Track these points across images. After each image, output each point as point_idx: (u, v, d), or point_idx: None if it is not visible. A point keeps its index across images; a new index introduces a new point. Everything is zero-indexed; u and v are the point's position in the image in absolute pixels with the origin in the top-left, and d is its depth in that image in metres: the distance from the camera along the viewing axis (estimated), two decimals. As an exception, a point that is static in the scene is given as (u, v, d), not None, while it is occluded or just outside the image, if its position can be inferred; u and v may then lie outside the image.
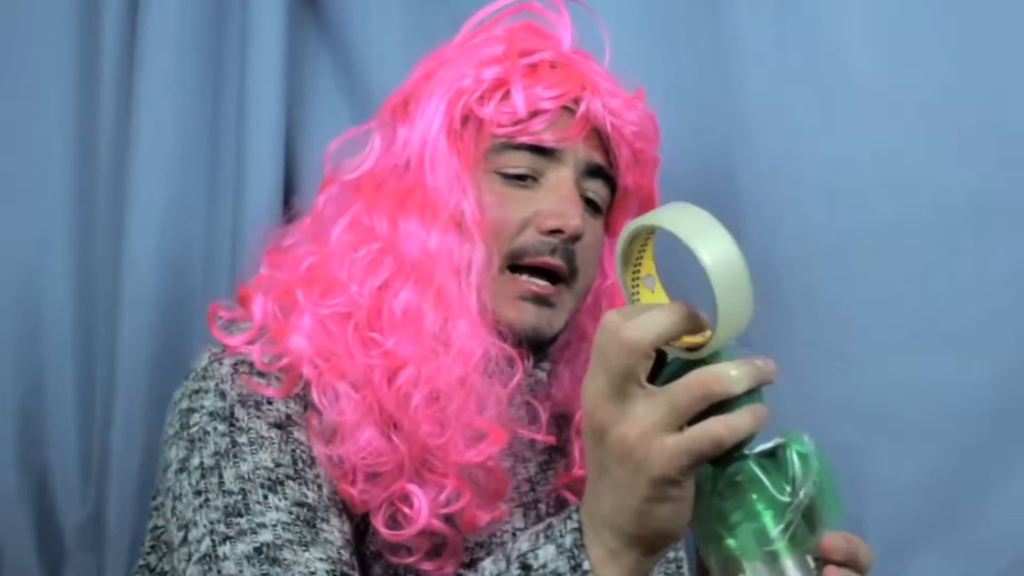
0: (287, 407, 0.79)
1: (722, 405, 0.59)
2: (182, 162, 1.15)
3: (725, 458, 0.60)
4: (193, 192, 1.17)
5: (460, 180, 0.83)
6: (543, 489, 0.94)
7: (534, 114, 0.84)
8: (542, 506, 0.93)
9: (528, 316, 0.84)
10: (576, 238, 0.84)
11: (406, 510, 0.78)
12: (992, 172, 0.98)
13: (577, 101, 0.85)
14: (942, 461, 1.01)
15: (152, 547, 0.87)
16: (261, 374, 0.79)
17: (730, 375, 0.58)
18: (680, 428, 0.59)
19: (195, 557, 0.72)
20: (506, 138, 0.84)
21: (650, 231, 0.63)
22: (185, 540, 0.74)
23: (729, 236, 0.59)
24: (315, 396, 0.79)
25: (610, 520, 0.62)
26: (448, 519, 0.79)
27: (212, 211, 1.18)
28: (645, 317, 0.60)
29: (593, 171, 0.87)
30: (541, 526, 0.66)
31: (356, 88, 1.19)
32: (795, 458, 0.60)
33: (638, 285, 0.65)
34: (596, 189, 0.88)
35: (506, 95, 0.84)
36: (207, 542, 0.72)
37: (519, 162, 0.84)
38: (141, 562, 0.89)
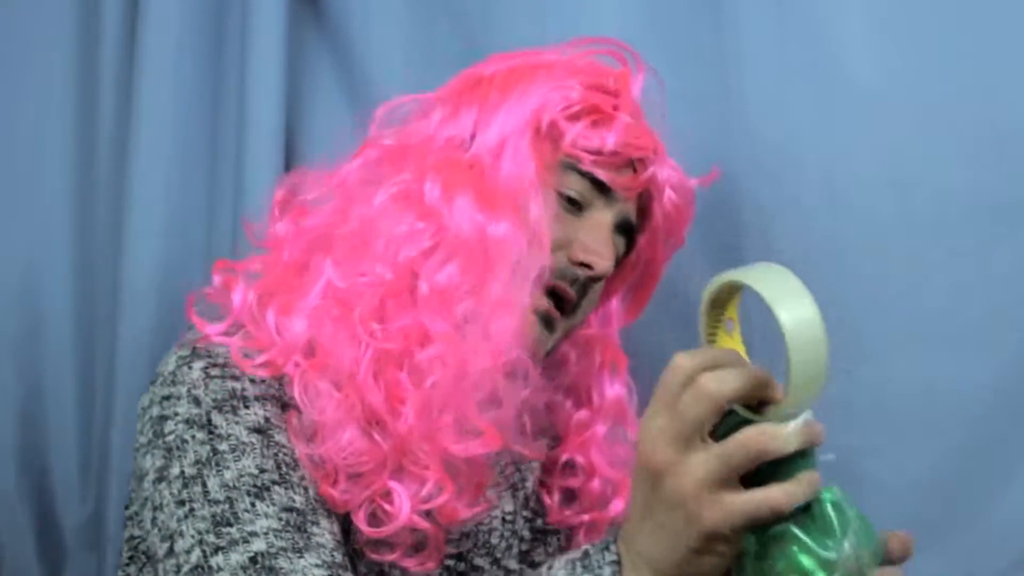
0: (264, 410, 0.77)
1: (773, 463, 0.59)
2: (182, 162, 1.15)
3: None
4: (193, 192, 1.16)
5: (533, 181, 0.82)
6: (527, 467, 0.95)
7: (612, 153, 0.84)
8: (528, 485, 0.95)
9: (532, 331, 0.83)
10: (599, 279, 0.86)
11: (387, 507, 0.77)
12: (992, 172, 0.98)
13: (645, 161, 0.87)
14: (943, 461, 1.01)
15: (130, 558, 0.85)
16: (235, 376, 0.78)
17: (784, 434, 0.59)
18: (731, 483, 0.59)
19: (185, 569, 0.71)
20: (575, 160, 0.84)
21: (737, 287, 0.63)
22: (171, 551, 0.72)
23: (814, 305, 0.58)
24: (296, 394, 0.77)
25: (651, 559, 0.62)
26: (429, 514, 0.78)
27: (212, 211, 1.18)
28: (729, 372, 0.59)
29: (625, 227, 0.89)
30: (577, 554, 0.66)
31: (356, 88, 1.19)
32: (831, 511, 0.60)
33: (718, 328, 0.65)
34: (619, 245, 0.89)
35: (596, 123, 0.84)
36: (197, 553, 0.71)
37: (577, 187, 0.85)
38: (121, 574, 0.87)
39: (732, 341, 0.65)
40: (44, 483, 1.18)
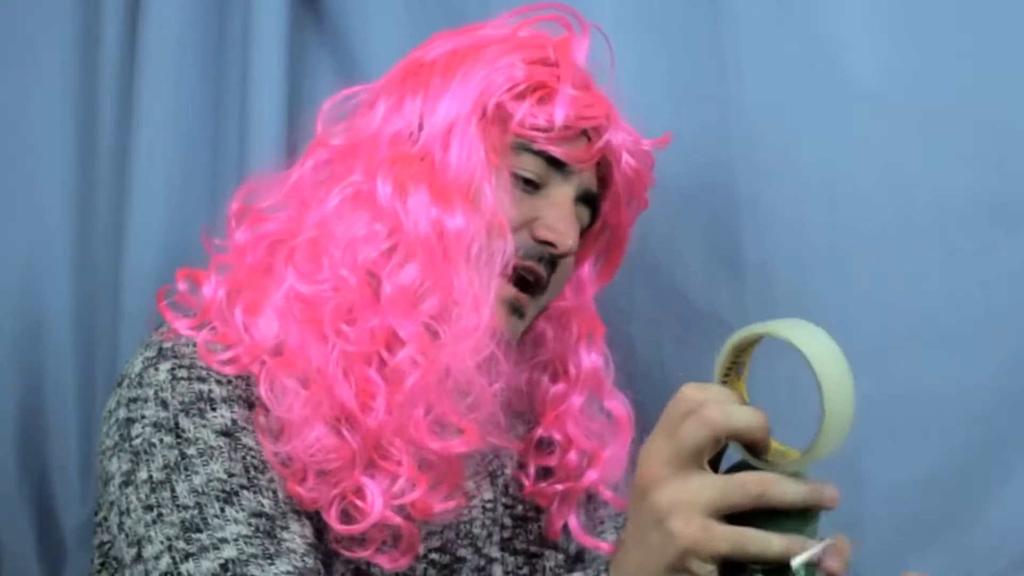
0: (231, 412, 0.76)
1: (772, 516, 0.59)
2: (183, 163, 1.16)
3: (737, 571, 0.60)
4: (194, 192, 1.17)
5: (484, 167, 0.81)
6: (506, 454, 0.94)
7: (564, 128, 0.83)
8: (508, 471, 0.94)
9: (502, 321, 0.83)
10: (565, 255, 0.85)
11: (359, 503, 0.76)
12: (992, 172, 0.98)
13: (599, 129, 0.86)
14: (942, 461, 1.01)
15: (102, 564, 0.83)
16: (201, 378, 0.77)
17: (787, 487, 0.58)
18: (719, 516, 0.58)
19: (154, 575, 0.70)
20: (527, 140, 0.83)
21: (759, 338, 0.63)
22: (139, 557, 0.72)
23: (847, 365, 0.60)
24: (262, 391, 0.77)
25: None
26: (402, 510, 0.77)
27: (213, 211, 1.18)
28: (735, 407, 0.60)
29: (587, 197, 0.88)
30: None
31: (356, 88, 1.19)
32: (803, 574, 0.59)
33: (731, 371, 0.65)
34: (583, 215, 0.89)
35: (542, 99, 0.83)
36: (166, 559, 0.70)
37: (532, 167, 0.84)
38: None
39: (739, 384, 0.65)
40: (44, 483, 1.18)
